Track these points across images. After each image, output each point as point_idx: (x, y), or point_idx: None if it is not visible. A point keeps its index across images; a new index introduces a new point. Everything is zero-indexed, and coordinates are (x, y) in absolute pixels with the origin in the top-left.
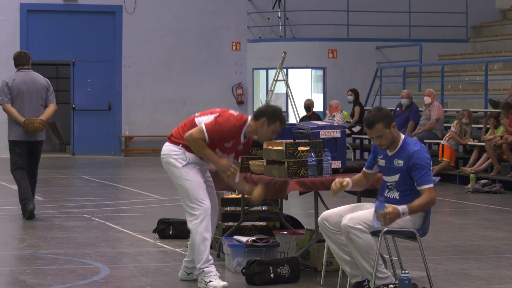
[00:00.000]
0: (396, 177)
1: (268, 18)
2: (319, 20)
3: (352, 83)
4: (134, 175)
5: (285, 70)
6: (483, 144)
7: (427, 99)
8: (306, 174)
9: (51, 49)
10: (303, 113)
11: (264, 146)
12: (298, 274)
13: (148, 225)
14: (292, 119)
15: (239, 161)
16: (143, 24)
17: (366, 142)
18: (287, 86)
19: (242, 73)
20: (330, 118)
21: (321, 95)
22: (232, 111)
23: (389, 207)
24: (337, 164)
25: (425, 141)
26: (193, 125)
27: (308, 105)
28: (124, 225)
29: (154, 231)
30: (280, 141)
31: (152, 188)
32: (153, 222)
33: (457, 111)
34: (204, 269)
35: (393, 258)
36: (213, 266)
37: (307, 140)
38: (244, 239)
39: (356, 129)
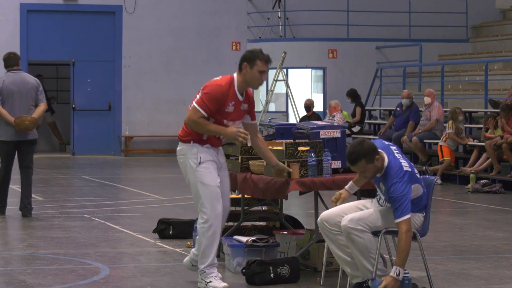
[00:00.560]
0: (383, 197)
1: (268, 18)
2: (319, 20)
3: (352, 83)
4: (134, 175)
5: (285, 70)
6: (483, 144)
7: (427, 99)
8: (306, 174)
9: (51, 49)
10: (303, 113)
11: None
12: (298, 274)
13: (148, 225)
14: (292, 119)
15: (257, 123)
16: (143, 24)
17: None
18: (287, 86)
19: None
20: (330, 118)
21: (321, 95)
22: (214, 78)
23: (384, 281)
24: (337, 164)
25: (425, 141)
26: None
27: (308, 105)
28: (124, 225)
29: (154, 231)
30: (280, 141)
31: (152, 188)
32: (153, 222)
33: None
34: (206, 270)
35: (393, 258)
36: (214, 267)
37: (307, 140)
38: (244, 239)
39: (356, 129)
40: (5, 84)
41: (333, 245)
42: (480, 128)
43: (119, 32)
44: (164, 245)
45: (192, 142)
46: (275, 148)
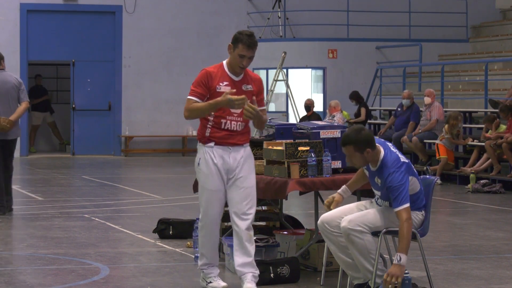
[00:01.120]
0: (379, 193)
1: (268, 18)
2: (319, 20)
3: (352, 83)
4: (134, 175)
5: (285, 70)
6: (483, 144)
7: (427, 99)
8: (306, 174)
9: (51, 49)
10: (303, 113)
11: (264, 146)
12: (298, 274)
13: (148, 225)
14: (292, 119)
15: (267, 100)
16: (143, 24)
17: None
18: (287, 86)
19: None
20: (330, 118)
21: (321, 95)
22: None
23: (389, 270)
24: (337, 164)
25: (425, 141)
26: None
27: (308, 105)
28: (124, 225)
29: (154, 231)
30: (280, 141)
31: (152, 188)
32: (153, 222)
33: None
34: (204, 270)
35: (393, 258)
36: (214, 268)
37: (307, 140)
38: None
39: None
40: None
41: (334, 247)
42: (480, 128)
43: (119, 32)
44: (164, 245)
45: (199, 141)
46: (275, 148)
